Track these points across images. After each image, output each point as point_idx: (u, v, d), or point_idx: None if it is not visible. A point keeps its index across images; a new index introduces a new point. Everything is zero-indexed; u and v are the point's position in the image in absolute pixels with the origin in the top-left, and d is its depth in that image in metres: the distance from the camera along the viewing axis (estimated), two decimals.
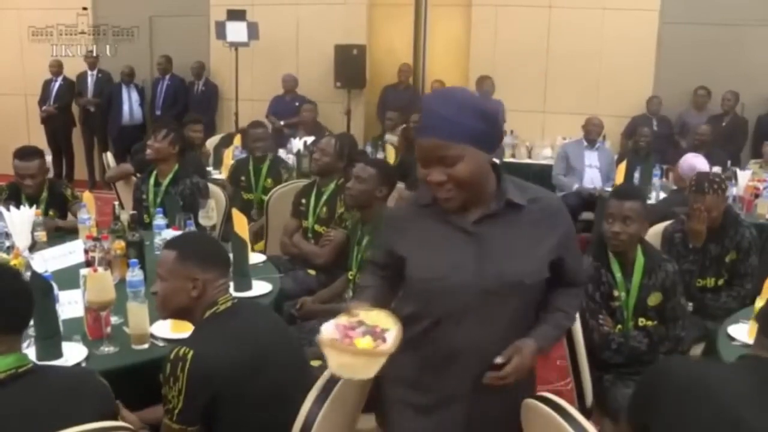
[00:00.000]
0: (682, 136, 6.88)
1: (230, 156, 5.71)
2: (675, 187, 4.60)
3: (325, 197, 3.77)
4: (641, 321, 2.63)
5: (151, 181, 3.90)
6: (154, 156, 3.83)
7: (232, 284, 2.77)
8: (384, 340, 1.54)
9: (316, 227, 3.76)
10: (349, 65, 7.79)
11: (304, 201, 3.85)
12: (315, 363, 2.27)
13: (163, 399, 1.79)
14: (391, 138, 6.24)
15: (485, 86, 7.07)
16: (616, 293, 2.63)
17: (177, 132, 3.92)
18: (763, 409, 1.47)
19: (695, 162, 4.38)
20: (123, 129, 8.32)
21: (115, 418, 1.69)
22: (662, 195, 4.99)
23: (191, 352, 1.76)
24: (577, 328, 2.34)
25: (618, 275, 2.64)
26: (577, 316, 2.35)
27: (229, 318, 1.94)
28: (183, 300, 1.95)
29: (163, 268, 1.97)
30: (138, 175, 4.47)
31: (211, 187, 4.21)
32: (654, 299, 2.62)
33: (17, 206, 3.30)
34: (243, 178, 4.89)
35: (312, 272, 3.63)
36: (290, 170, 5.03)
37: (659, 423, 1.60)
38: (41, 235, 3.33)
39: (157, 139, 3.80)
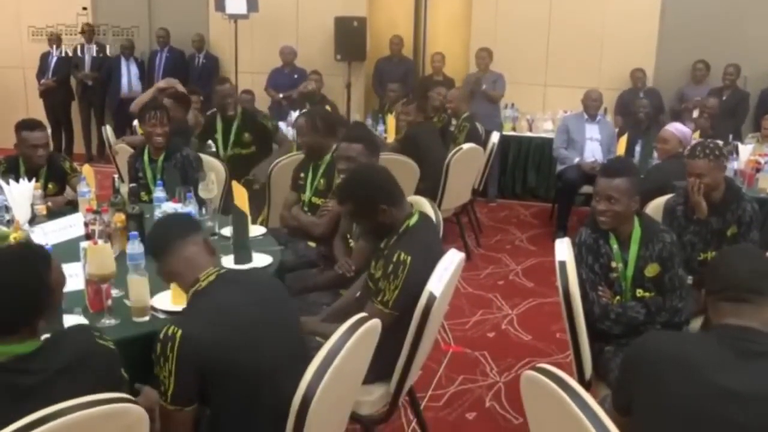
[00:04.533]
0: (685, 109, 6.77)
1: None
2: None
3: (321, 170, 3.76)
4: (639, 292, 2.63)
5: (145, 158, 3.92)
6: (166, 141, 3.86)
7: (231, 257, 2.78)
8: None
9: (313, 199, 3.75)
10: (350, 37, 7.71)
11: (302, 174, 3.85)
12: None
13: (157, 380, 1.79)
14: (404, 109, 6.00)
15: (483, 58, 7.00)
16: (614, 264, 2.63)
17: (166, 109, 3.98)
18: (737, 370, 1.53)
19: (678, 126, 4.38)
20: (122, 102, 8.26)
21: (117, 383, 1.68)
22: None
23: (180, 332, 1.75)
24: (577, 301, 2.35)
25: (615, 247, 2.64)
26: (578, 289, 2.36)
27: (210, 294, 1.90)
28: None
29: None
30: None
31: (212, 160, 4.21)
32: (651, 270, 2.61)
33: (16, 180, 3.30)
34: (216, 136, 4.97)
35: (312, 244, 3.64)
36: (272, 121, 5.19)
37: (640, 397, 1.63)
38: (41, 209, 3.33)
39: (163, 124, 3.84)
